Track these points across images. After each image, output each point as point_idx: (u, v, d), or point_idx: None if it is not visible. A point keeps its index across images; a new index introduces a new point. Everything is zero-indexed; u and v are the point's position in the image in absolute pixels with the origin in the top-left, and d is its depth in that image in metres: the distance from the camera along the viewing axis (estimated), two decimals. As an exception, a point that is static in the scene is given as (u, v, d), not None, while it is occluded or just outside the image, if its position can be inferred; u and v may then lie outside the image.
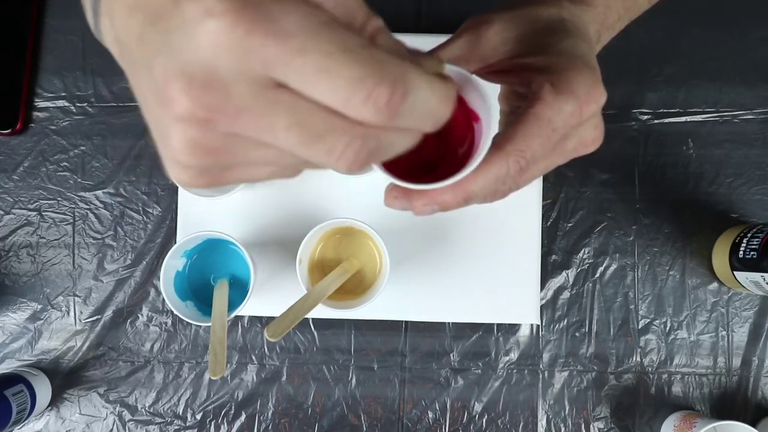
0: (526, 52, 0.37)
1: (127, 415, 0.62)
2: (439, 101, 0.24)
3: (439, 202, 0.36)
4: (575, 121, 0.35)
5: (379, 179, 0.59)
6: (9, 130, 0.62)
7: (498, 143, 0.35)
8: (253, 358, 0.62)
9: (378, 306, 0.54)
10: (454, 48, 0.38)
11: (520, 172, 0.35)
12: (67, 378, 0.62)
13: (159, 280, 0.53)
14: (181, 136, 0.21)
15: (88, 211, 0.63)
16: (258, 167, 0.23)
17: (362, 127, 0.21)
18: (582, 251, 0.62)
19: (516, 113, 0.35)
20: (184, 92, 0.20)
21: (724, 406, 0.60)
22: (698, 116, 0.62)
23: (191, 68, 0.20)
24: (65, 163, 0.63)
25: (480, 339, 0.61)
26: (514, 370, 0.61)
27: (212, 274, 0.56)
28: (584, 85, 0.34)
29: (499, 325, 0.61)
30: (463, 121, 0.40)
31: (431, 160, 0.39)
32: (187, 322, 0.59)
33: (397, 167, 0.35)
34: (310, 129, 0.21)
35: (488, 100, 0.36)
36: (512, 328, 0.61)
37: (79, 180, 0.63)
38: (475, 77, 0.35)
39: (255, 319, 0.62)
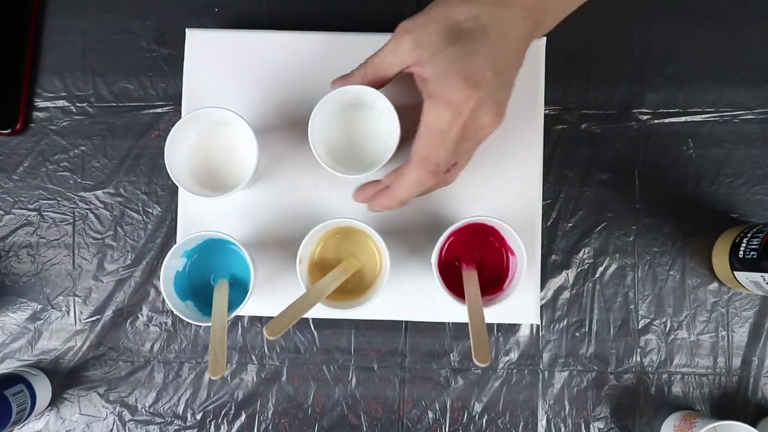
0: (419, 61, 0.44)
1: (127, 415, 0.62)
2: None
3: (380, 205, 0.50)
4: (460, 121, 0.42)
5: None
6: (9, 130, 0.62)
7: (411, 156, 0.45)
8: (253, 358, 0.62)
9: (378, 306, 0.54)
10: (383, 55, 0.47)
11: (436, 172, 0.45)
12: (67, 378, 0.62)
13: (159, 280, 0.53)
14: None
15: (88, 211, 0.63)
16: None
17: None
18: (582, 251, 0.62)
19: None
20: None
21: (724, 406, 0.60)
22: (698, 116, 0.62)
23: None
24: (65, 163, 0.63)
25: (480, 339, 0.61)
26: (514, 370, 0.61)
27: (212, 274, 0.56)
28: (455, 92, 0.41)
29: (499, 325, 0.61)
30: (501, 255, 0.55)
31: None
32: (187, 322, 0.59)
33: (452, 283, 0.52)
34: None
35: (519, 241, 0.51)
36: (512, 328, 0.61)
37: (79, 180, 0.63)
38: (509, 228, 0.51)
39: (255, 319, 0.62)
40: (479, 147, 0.48)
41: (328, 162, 0.53)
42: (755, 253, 0.54)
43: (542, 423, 0.61)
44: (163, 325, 0.62)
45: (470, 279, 0.51)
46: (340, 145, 0.57)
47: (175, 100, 0.62)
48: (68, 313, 0.62)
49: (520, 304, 0.58)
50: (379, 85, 0.49)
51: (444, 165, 0.45)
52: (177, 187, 0.60)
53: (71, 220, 0.63)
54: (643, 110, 0.62)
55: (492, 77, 0.42)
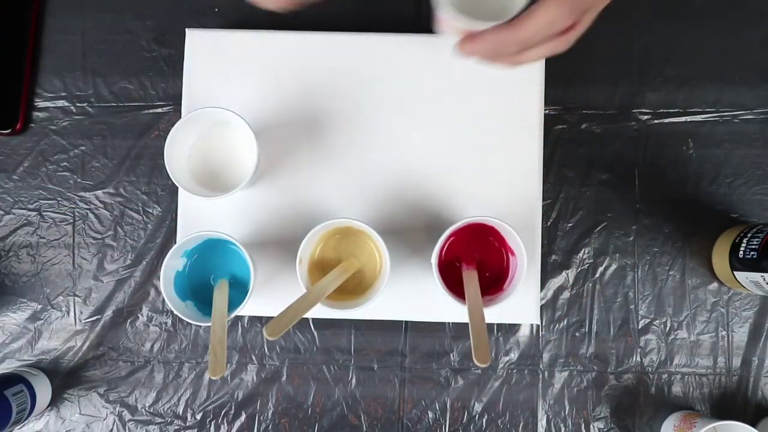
0: None
1: (127, 415, 0.62)
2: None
3: (495, 38, 0.39)
4: None
5: (378, 181, 0.59)
6: (9, 130, 0.62)
7: None
8: (253, 358, 0.62)
9: (378, 306, 0.54)
10: None
11: (575, 11, 0.38)
12: (67, 378, 0.62)
13: (159, 280, 0.53)
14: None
15: (88, 211, 0.63)
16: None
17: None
18: (582, 251, 0.62)
19: None
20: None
21: (724, 406, 0.60)
22: (698, 116, 0.62)
23: None
24: (65, 163, 0.63)
25: (480, 339, 0.61)
26: (514, 370, 0.61)
27: (212, 274, 0.56)
28: None
29: (499, 325, 0.61)
30: (501, 255, 0.55)
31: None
32: (187, 322, 0.59)
33: (452, 283, 0.52)
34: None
35: (519, 241, 0.50)
36: (512, 328, 0.61)
37: (79, 180, 0.63)
38: (509, 228, 0.51)
39: (255, 319, 0.62)
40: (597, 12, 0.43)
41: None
42: (755, 253, 0.54)
43: (542, 423, 0.61)
44: (163, 325, 0.62)
45: (470, 279, 0.51)
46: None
47: (175, 100, 0.62)
48: (68, 313, 0.62)
49: (520, 304, 0.58)
50: None
51: (584, 6, 0.38)
52: (177, 187, 0.60)
53: (71, 220, 0.63)
54: (643, 110, 0.62)
55: None
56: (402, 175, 0.59)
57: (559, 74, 0.61)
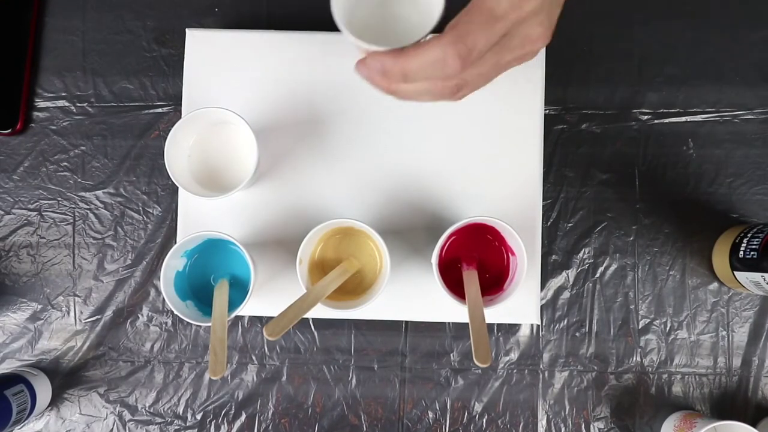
0: None
1: (127, 415, 0.62)
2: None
3: (381, 64, 0.38)
4: (516, 14, 0.36)
5: (378, 180, 0.59)
6: (9, 130, 0.62)
7: (444, 31, 0.37)
8: (253, 358, 0.62)
9: (378, 306, 0.54)
10: None
11: (462, 61, 0.37)
12: (67, 378, 0.62)
13: (159, 280, 0.53)
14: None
15: (88, 211, 0.63)
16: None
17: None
18: (582, 251, 0.62)
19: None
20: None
21: (724, 406, 0.60)
22: (698, 116, 0.62)
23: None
24: (65, 163, 0.63)
25: (480, 339, 0.61)
26: (514, 370, 0.61)
27: (212, 274, 0.56)
28: None
29: (499, 325, 0.61)
30: (502, 255, 0.55)
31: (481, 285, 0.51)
32: (187, 322, 0.59)
33: (452, 283, 0.52)
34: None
35: (520, 241, 0.50)
36: (512, 328, 0.61)
37: (79, 180, 0.63)
38: (509, 228, 0.51)
39: (255, 319, 0.62)
40: (498, 75, 0.42)
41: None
42: (755, 253, 0.54)
43: (542, 423, 0.61)
44: (163, 325, 0.62)
45: (470, 279, 0.51)
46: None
47: (175, 100, 0.62)
48: (68, 313, 0.62)
49: (520, 304, 0.58)
50: None
51: (475, 57, 0.37)
52: (177, 187, 0.60)
53: (71, 220, 0.63)
54: (643, 110, 0.62)
55: None
56: (402, 175, 0.59)
57: (559, 74, 0.61)
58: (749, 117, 0.62)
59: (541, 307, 0.61)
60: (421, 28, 0.39)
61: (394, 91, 0.40)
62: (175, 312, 0.52)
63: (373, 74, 0.39)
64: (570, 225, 0.62)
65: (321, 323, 0.62)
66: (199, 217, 0.59)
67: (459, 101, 0.41)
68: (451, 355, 0.61)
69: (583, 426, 0.61)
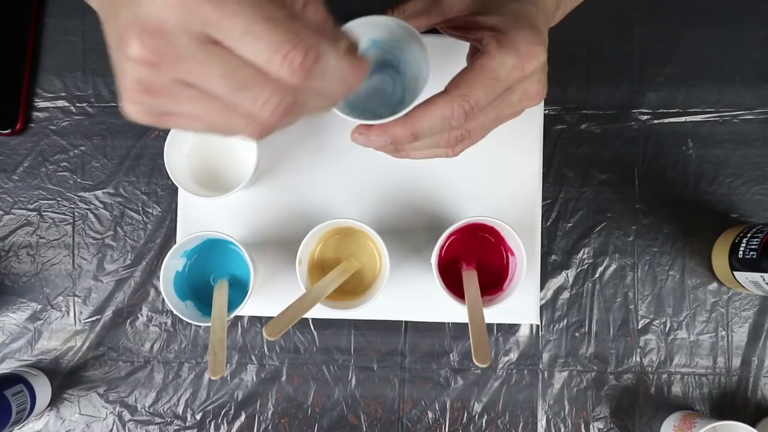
0: (480, 11, 0.41)
1: (126, 415, 0.62)
2: (347, 70, 0.28)
3: (390, 134, 0.40)
4: (518, 74, 0.39)
5: (378, 180, 0.59)
6: (9, 130, 0.62)
7: (446, 88, 0.39)
8: (253, 358, 0.62)
9: (377, 306, 0.54)
10: (418, 2, 0.43)
11: (466, 116, 0.39)
12: (66, 378, 0.62)
13: (159, 280, 0.53)
14: (132, 74, 0.26)
15: (88, 211, 0.63)
16: (193, 117, 0.27)
17: (282, 83, 0.26)
18: (582, 251, 0.62)
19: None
20: (137, 37, 0.24)
21: (724, 406, 0.60)
22: (698, 116, 0.62)
23: (145, 19, 0.24)
24: (65, 163, 0.63)
25: (480, 339, 0.61)
26: (514, 370, 0.61)
27: (212, 274, 0.56)
28: (526, 43, 0.39)
29: (498, 325, 0.61)
30: (501, 255, 0.55)
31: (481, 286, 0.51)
32: (187, 322, 0.59)
33: (452, 283, 0.52)
34: (239, 79, 0.25)
35: (519, 241, 0.51)
36: (512, 328, 0.61)
37: (79, 180, 0.63)
38: (509, 228, 0.50)
39: (255, 319, 0.62)
40: (491, 130, 0.43)
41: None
42: (755, 253, 0.54)
43: (542, 423, 0.61)
44: (163, 325, 0.62)
45: (470, 279, 0.51)
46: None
47: (175, 100, 0.62)
48: (68, 313, 0.62)
49: (520, 304, 0.58)
50: (427, 21, 0.45)
51: (477, 112, 0.39)
52: (177, 187, 0.60)
53: (71, 220, 0.63)
54: (643, 110, 0.62)
55: (547, 44, 0.40)
56: (402, 175, 0.59)
57: (559, 74, 0.61)
58: (749, 117, 0.62)
59: (541, 307, 0.61)
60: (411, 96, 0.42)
61: (406, 152, 0.43)
62: (175, 312, 0.52)
63: (383, 143, 0.41)
64: (569, 225, 0.62)
65: (320, 323, 0.62)
66: (198, 217, 0.59)
67: (455, 157, 0.44)
68: (451, 355, 0.61)
69: (582, 426, 0.61)
